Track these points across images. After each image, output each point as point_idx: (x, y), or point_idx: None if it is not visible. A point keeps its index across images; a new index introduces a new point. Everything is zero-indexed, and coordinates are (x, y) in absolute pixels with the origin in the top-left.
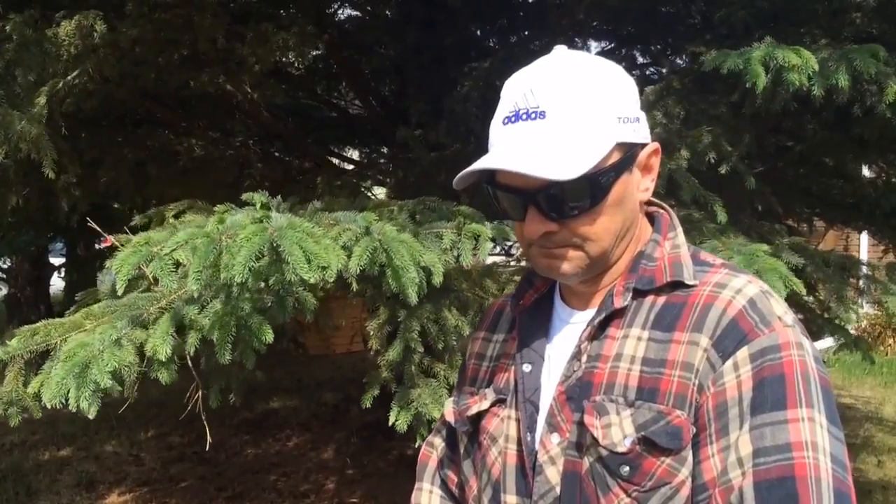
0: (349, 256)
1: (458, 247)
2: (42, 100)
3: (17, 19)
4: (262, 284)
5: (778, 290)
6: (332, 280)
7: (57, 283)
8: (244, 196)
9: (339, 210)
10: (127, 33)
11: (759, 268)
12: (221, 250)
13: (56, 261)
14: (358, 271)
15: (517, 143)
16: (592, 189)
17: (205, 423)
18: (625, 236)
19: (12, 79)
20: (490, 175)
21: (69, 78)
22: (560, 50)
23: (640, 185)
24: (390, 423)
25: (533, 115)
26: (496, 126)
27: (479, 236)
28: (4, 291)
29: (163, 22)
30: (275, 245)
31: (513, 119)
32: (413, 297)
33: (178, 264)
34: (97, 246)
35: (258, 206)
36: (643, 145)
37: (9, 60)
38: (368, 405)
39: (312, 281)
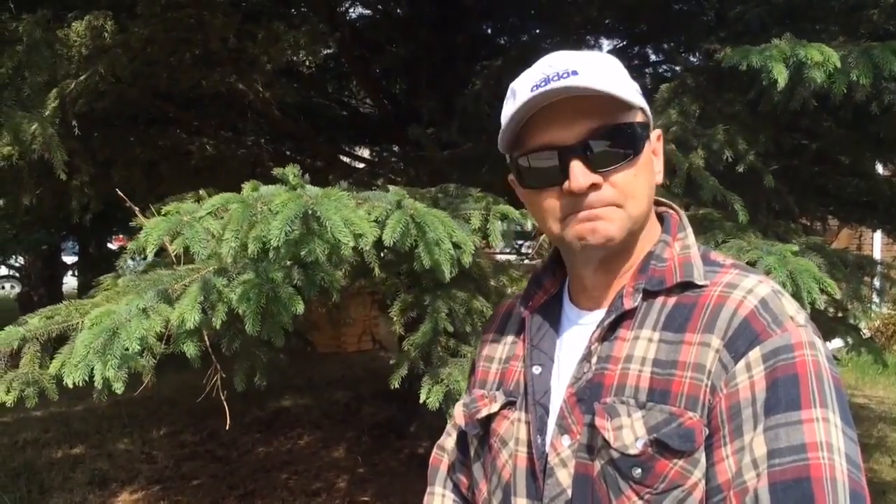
0: (381, 229)
1: (488, 227)
2: (54, 101)
3: (30, 20)
4: (289, 262)
5: (813, 290)
6: (370, 248)
7: (70, 282)
8: (275, 171)
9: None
10: (138, 33)
11: (791, 268)
12: (256, 216)
13: (69, 259)
14: (392, 243)
15: (560, 86)
16: (633, 137)
17: (226, 407)
18: (649, 210)
19: (23, 80)
20: (518, 143)
21: (81, 78)
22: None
23: (654, 164)
24: (421, 401)
25: (565, 75)
26: (523, 93)
27: (506, 217)
28: (18, 290)
29: (174, 21)
30: (311, 212)
31: (542, 84)
32: (447, 273)
33: (208, 236)
34: (109, 245)
35: (291, 178)
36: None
37: (20, 62)
38: (396, 385)
39: (349, 246)
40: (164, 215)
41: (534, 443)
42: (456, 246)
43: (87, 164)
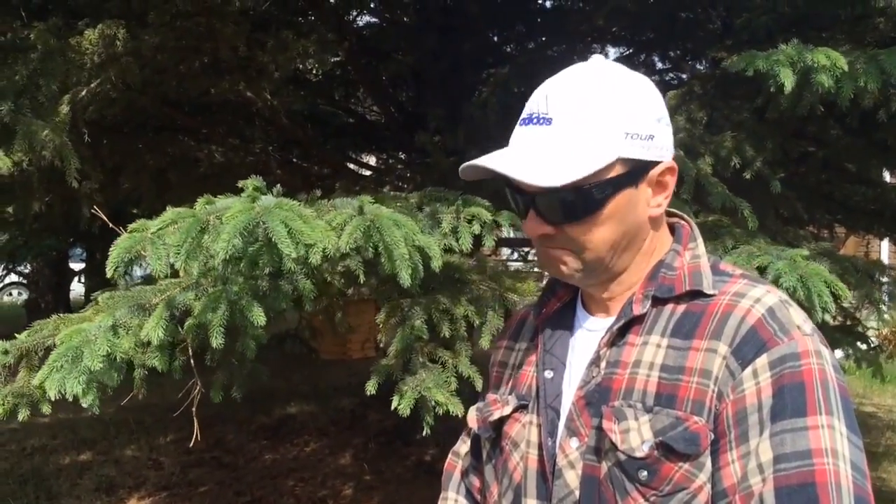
0: (339, 236)
1: (458, 231)
2: (65, 108)
3: (42, 28)
4: (258, 272)
5: (824, 295)
6: (319, 258)
7: (77, 289)
8: (239, 183)
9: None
10: (149, 41)
11: (802, 273)
12: (206, 228)
13: (76, 266)
14: (349, 250)
15: (522, 146)
16: (586, 200)
17: (195, 420)
18: (627, 248)
19: (36, 88)
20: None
21: (92, 86)
22: (596, 59)
23: (649, 201)
24: (392, 407)
25: (541, 121)
26: (516, 126)
27: (476, 219)
28: (25, 297)
29: (184, 30)
30: (261, 223)
31: (526, 122)
32: (406, 278)
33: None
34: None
35: (250, 189)
36: (657, 163)
37: (33, 69)
38: (373, 391)
39: (294, 257)
40: (130, 232)
41: (544, 445)
42: (419, 249)
43: (96, 171)
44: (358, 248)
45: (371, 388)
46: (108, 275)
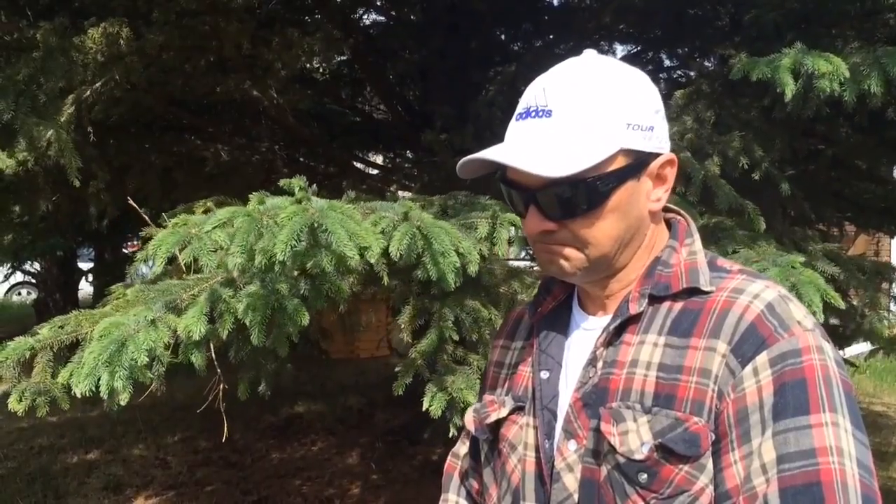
0: (388, 241)
1: (494, 236)
2: (70, 107)
3: (46, 27)
4: (296, 273)
5: (815, 304)
6: (374, 260)
7: (86, 288)
8: (281, 182)
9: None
10: (154, 40)
11: (795, 281)
12: (262, 229)
13: (85, 266)
14: (399, 256)
15: (521, 139)
16: (590, 193)
17: (224, 417)
18: (630, 243)
19: (37, 87)
20: (502, 170)
21: (97, 85)
22: (588, 53)
23: (650, 194)
24: (424, 408)
25: (540, 114)
26: (511, 122)
27: (514, 225)
28: (34, 296)
29: (189, 28)
30: (316, 225)
31: (523, 116)
32: (451, 283)
33: (216, 248)
34: (125, 251)
35: (297, 190)
36: (656, 155)
37: (36, 68)
38: (401, 392)
39: (355, 259)
40: (173, 227)
41: (542, 447)
42: (462, 255)
43: (102, 170)
44: (402, 253)
45: (399, 389)
46: (157, 269)
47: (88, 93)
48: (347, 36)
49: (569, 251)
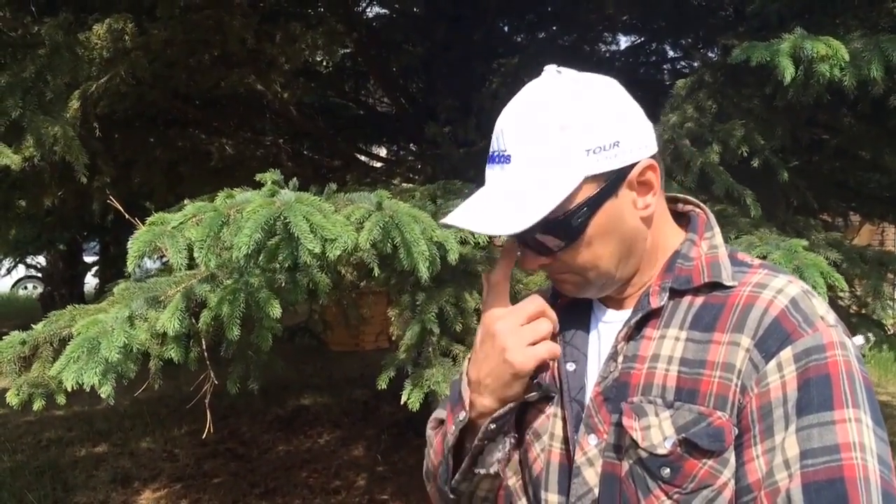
0: (359, 232)
1: None
2: (76, 103)
3: (51, 23)
4: (276, 265)
5: (819, 285)
6: (339, 253)
7: (91, 282)
8: (257, 176)
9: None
10: (158, 35)
11: (799, 263)
12: (228, 223)
13: (90, 259)
14: (368, 246)
15: (487, 192)
16: (565, 229)
17: (208, 412)
18: (630, 255)
19: (44, 84)
20: None
21: (102, 81)
22: (547, 73)
23: (636, 203)
24: (402, 402)
25: (500, 160)
26: (486, 165)
27: None
28: (40, 290)
29: (193, 23)
30: (282, 218)
31: (491, 161)
32: (425, 273)
33: (188, 244)
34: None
35: (269, 183)
36: (632, 165)
37: (42, 65)
38: (384, 386)
39: (317, 251)
40: (148, 225)
41: (571, 439)
42: (439, 246)
43: (108, 165)
44: (375, 244)
45: (382, 382)
46: (129, 268)
47: (94, 88)
48: (350, 29)
49: (570, 277)
